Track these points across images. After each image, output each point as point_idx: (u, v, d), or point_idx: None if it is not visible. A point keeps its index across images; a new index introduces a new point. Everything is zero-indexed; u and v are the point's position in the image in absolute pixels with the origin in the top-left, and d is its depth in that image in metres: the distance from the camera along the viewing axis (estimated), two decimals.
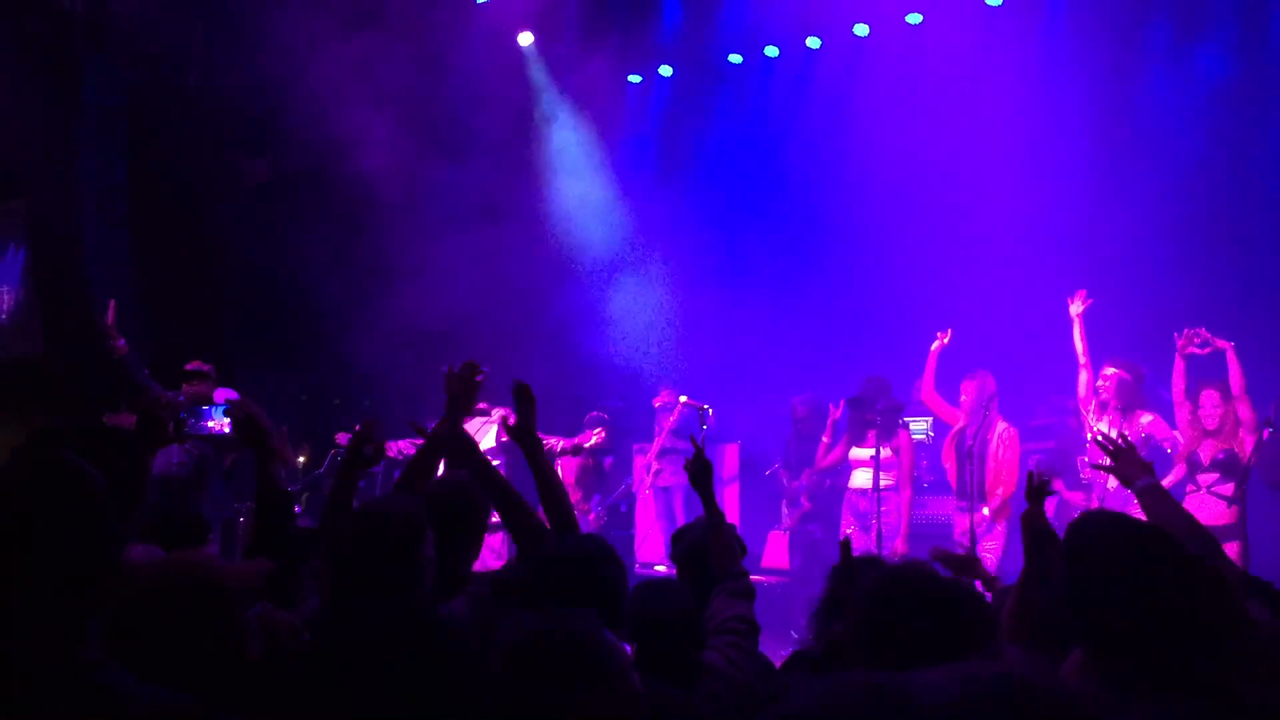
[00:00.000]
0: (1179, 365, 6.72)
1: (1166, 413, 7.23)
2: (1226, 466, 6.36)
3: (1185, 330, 6.66)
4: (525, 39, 10.21)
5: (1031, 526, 3.26)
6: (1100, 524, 2.17)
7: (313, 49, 8.50)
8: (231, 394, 7.82)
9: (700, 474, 3.53)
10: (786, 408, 9.33)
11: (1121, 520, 2.18)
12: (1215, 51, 8.78)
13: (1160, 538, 2.06)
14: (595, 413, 9.38)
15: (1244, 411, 6.46)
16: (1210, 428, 6.53)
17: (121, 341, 7.13)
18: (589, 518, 8.91)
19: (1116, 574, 1.97)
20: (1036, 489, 3.40)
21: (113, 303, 7.17)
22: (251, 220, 9.63)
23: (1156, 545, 2.02)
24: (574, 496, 8.78)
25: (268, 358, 9.93)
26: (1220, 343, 6.55)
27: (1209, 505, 6.32)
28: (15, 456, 1.97)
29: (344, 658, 1.74)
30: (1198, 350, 6.64)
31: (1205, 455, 6.50)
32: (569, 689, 1.74)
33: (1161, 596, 1.91)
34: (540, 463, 3.61)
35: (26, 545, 1.77)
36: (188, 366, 7.39)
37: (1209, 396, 6.56)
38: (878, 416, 7.51)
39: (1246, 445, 6.39)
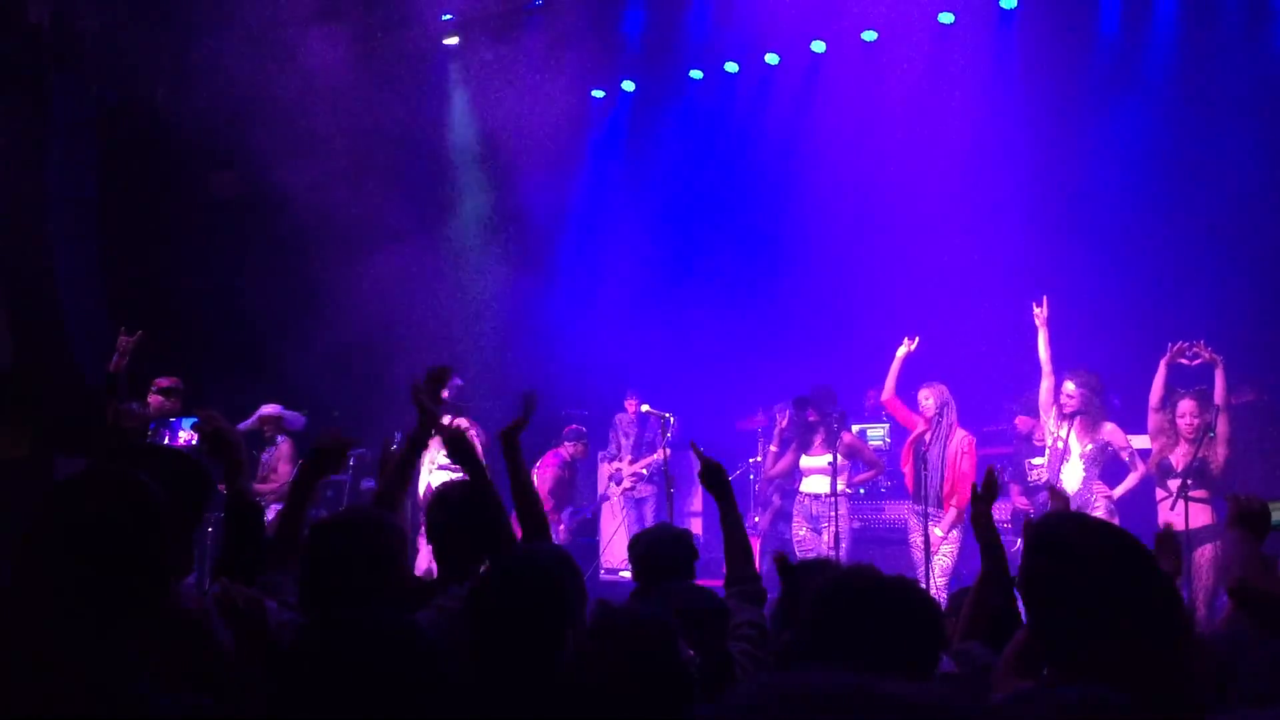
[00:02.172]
0: (1161, 372, 6.78)
1: (1116, 418, 7.45)
2: (1198, 474, 6.43)
3: (1179, 343, 6.70)
4: (451, 40, 10.22)
5: (980, 529, 3.32)
6: (1064, 520, 2.25)
7: (276, 67, 8.62)
8: (298, 419, 8.22)
9: (713, 478, 3.64)
10: (758, 415, 9.56)
11: (1084, 519, 2.25)
12: (1169, 62, 9.01)
13: (1120, 537, 2.08)
14: (574, 425, 9.51)
15: (1222, 424, 6.52)
16: (1189, 436, 6.61)
17: (124, 362, 7.22)
18: (559, 529, 9.02)
19: (1072, 567, 2.01)
20: (984, 494, 3.43)
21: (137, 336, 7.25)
22: (218, 235, 9.70)
23: (1115, 544, 2.05)
24: (546, 506, 8.89)
25: (236, 368, 9.97)
26: (1213, 356, 6.59)
27: (1181, 509, 6.28)
28: (89, 474, 2.00)
29: (318, 670, 1.82)
30: (1186, 361, 6.70)
31: (1178, 462, 6.57)
32: None
33: (1110, 593, 1.95)
34: (520, 468, 3.70)
35: (95, 556, 1.82)
36: (159, 382, 7.48)
37: (1187, 405, 6.65)
38: (834, 422, 7.67)
39: (1219, 455, 6.49)
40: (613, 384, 10.10)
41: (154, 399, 7.46)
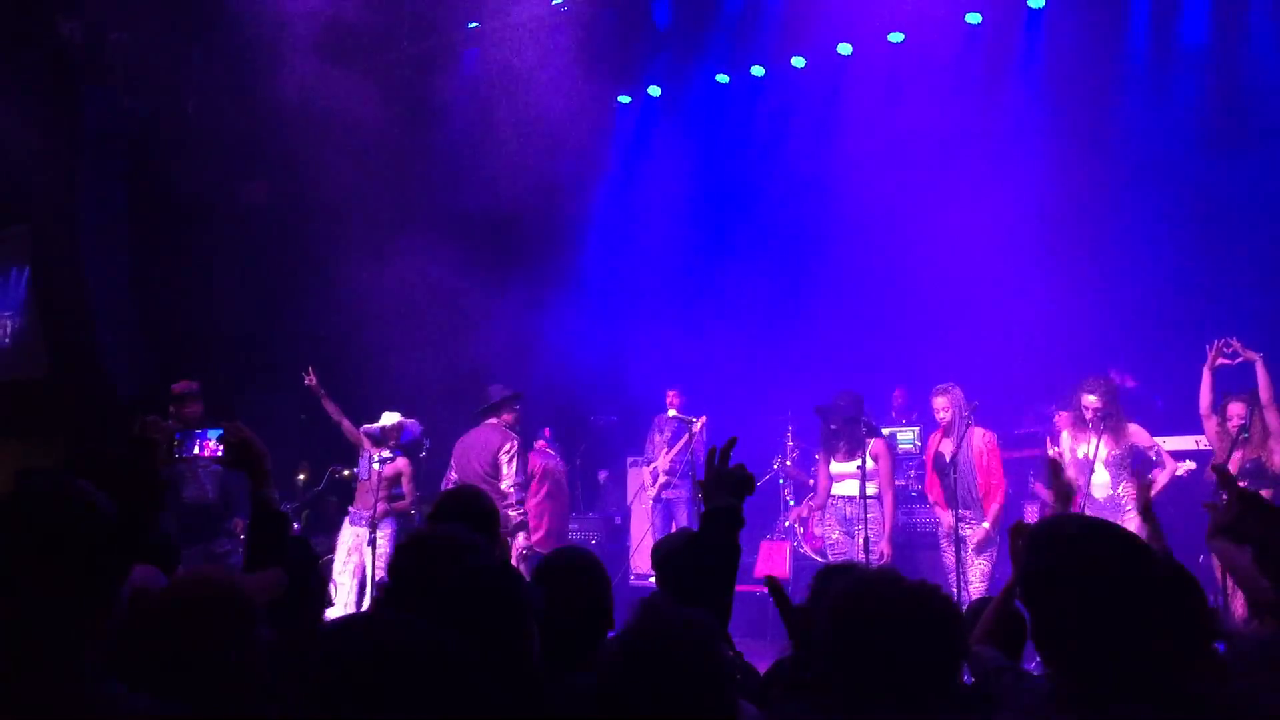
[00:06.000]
0: (1207, 378, 6.70)
1: (1159, 419, 7.34)
2: (1254, 475, 6.32)
3: (1216, 342, 6.65)
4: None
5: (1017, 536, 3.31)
6: (1060, 524, 2.19)
7: (303, 78, 8.69)
8: (415, 429, 8.27)
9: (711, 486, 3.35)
10: (783, 418, 9.52)
11: (1083, 522, 2.21)
12: (1194, 61, 8.91)
13: (1120, 540, 2.05)
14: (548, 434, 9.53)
15: (1273, 420, 6.43)
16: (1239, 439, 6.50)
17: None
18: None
19: (1067, 572, 1.99)
20: (1063, 495, 3.39)
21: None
22: (246, 245, 9.79)
23: (1113, 547, 2.01)
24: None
25: (266, 378, 10.04)
26: (1249, 354, 6.55)
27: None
28: (29, 481, 2.02)
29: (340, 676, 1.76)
30: (1227, 361, 6.64)
31: (1233, 464, 6.39)
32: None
33: (1108, 597, 1.92)
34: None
35: (34, 565, 1.85)
36: (174, 388, 7.45)
37: (1236, 408, 6.56)
38: (861, 428, 7.58)
39: (1275, 455, 6.38)
40: (637, 390, 10.09)
41: (172, 408, 7.52)
